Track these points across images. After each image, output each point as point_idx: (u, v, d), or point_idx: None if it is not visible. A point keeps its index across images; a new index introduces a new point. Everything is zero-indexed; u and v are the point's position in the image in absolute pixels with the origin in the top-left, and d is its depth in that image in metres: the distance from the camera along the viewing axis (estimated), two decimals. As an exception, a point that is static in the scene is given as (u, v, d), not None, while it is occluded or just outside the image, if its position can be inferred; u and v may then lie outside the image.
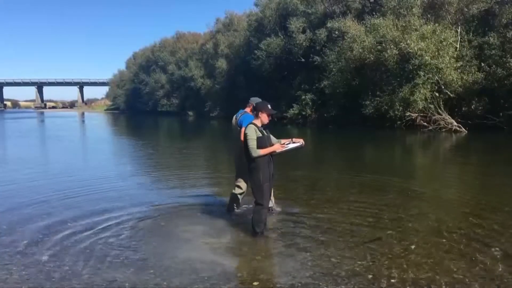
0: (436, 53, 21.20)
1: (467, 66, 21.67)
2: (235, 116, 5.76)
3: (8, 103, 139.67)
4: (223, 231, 5.10)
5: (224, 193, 7.43)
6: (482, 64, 21.24)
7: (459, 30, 22.71)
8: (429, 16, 23.53)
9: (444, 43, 21.55)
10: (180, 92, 61.15)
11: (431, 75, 21.40)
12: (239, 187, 5.74)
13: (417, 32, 21.87)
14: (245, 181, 5.63)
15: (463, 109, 21.58)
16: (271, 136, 4.81)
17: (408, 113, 22.17)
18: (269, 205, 5.36)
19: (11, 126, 35.04)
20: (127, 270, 3.95)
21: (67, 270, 3.99)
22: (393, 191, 7.14)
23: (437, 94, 21.79)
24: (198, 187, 7.90)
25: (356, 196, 6.27)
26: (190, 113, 55.55)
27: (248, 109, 5.64)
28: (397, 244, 4.53)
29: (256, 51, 35.29)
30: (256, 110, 4.67)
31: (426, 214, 5.68)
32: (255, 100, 5.48)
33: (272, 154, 4.69)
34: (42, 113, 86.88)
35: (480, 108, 20.60)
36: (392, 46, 22.17)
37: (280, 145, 4.72)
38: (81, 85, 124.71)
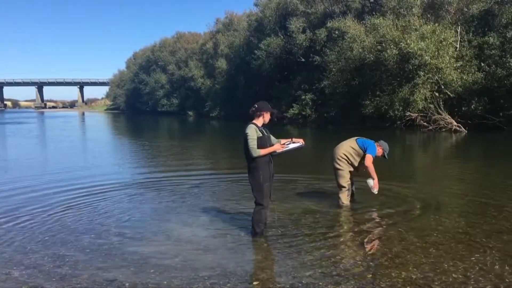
0: (436, 53, 21.20)
1: (467, 66, 21.67)
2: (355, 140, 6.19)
3: (8, 103, 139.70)
4: (223, 231, 5.11)
5: (224, 193, 7.45)
6: (482, 64, 21.24)
7: (459, 30, 22.71)
8: (429, 16, 23.54)
9: (444, 43, 21.55)
10: (180, 92, 61.15)
11: (431, 75, 21.41)
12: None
13: (417, 32, 21.87)
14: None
15: (463, 109, 21.57)
16: (271, 136, 4.81)
17: (408, 113, 22.18)
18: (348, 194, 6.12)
19: (17, 131, 34.99)
20: (127, 270, 3.96)
21: (67, 270, 3.99)
22: (393, 191, 7.13)
23: (437, 94, 21.79)
24: (198, 189, 7.90)
25: (355, 196, 6.27)
26: (190, 113, 55.56)
27: (378, 148, 6.10)
28: (397, 244, 4.52)
29: (256, 51, 35.29)
30: (260, 111, 4.68)
31: (426, 214, 5.67)
32: (383, 143, 6.15)
33: (272, 154, 4.69)
34: (42, 113, 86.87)
35: (480, 108, 20.59)
36: (392, 46, 22.17)
37: (280, 145, 4.72)
38: (81, 85, 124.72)
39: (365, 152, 6.03)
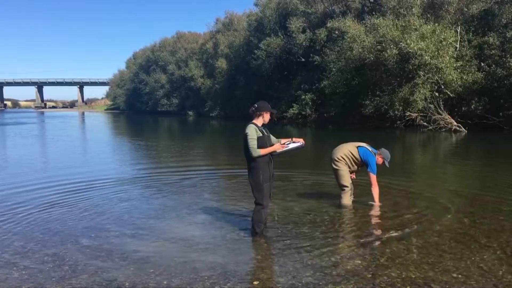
0: (436, 53, 21.21)
1: (467, 66, 21.69)
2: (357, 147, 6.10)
3: (8, 103, 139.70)
4: (223, 231, 5.11)
5: (224, 192, 7.46)
6: (482, 64, 21.26)
7: (459, 30, 22.72)
8: (429, 16, 23.55)
9: (444, 43, 21.57)
10: (180, 92, 61.17)
11: (431, 75, 21.41)
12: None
13: (417, 32, 21.89)
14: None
15: (463, 109, 21.59)
16: (271, 136, 4.81)
17: (408, 113, 22.18)
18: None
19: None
20: (127, 270, 3.96)
21: (67, 270, 3.99)
22: (393, 191, 7.14)
23: (437, 94, 21.81)
24: (198, 189, 7.90)
25: (355, 196, 6.26)
26: (190, 113, 55.59)
27: (378, 157, 6.06)
28: (397, 244, 4.52)
29: (256, 51, 35.31)
30: (259, 111, 4.68)
31: (425, 214, 5.67)
32: (384, 151, 6.10)
33: (272, 154, 4.68)
34: (42, 113, 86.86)
35: (480, 108, 20.60)
36: (392, 46, 22.18)
37: (280, 145, 4.72)
38: (81, 85, 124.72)
39: (364, 164, 6.03)
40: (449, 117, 21.23)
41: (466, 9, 23.28)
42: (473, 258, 4.07)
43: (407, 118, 22.40)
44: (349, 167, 6.09)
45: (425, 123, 21.64)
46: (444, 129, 20.78)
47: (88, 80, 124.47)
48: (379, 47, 23.18)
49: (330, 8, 32.01)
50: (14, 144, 18.88)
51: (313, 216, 5.68)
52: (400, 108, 22.46)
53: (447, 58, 21.23)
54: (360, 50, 24.29)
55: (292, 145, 4.81)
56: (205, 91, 49.97)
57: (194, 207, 6.28)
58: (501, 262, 3.97)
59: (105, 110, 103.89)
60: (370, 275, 3.74)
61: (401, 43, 21.63)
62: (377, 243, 4.65)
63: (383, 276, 3.71)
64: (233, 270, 3.91)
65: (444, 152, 14.64)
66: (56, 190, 7.67)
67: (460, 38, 22.62)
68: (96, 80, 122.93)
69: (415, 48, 20.92)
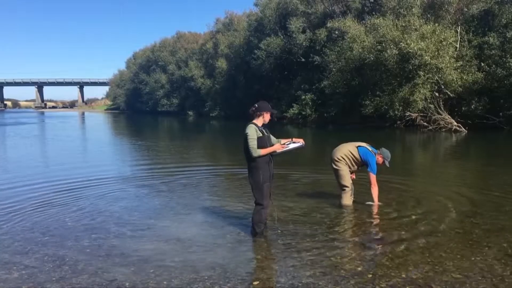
0: (436, 53, 21.21)
1: (467, 66, 21.69)
2: (356, 147, 6.10)
3: (8, 103, 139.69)
4: (223, 231, 5.11)
5: (223, 192, 7.45)
6: (482, 64, 21.25)
7: (459, 30, 22.71)
8: (429, 16, 23.54)
9: (444, 43, 21.56)
10: (180, 92, 61.20)
11: (431, 75, 21.42)
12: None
13: (417, 32, 21.89)
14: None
15: (463, 109, 21.59)
16: (271, 136, 4.81)
17: (408, 113, 22.18)
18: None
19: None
20: (127, 270, 3.95)
21: (67, 270, 3.99)
22: (393, 191, 7.14)
23: (437, 94, 21.82)
24: (197, 188, 7.90)
25: (355, 196, 6.26)
26: (190, 113, 55.61)
27: (378, 157, 6.05)
28: (397, 244, 4.52)
29: (256, 51, 35.31)
30: (260, 111, 4.68)
31: (426, 214, 5.67)
32: (384, 151, 6.08)
33: (272, 154, 4.69)
34: (42, 113, 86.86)
35: (480, 108, 20.61)
36: (392, 46, 22.17)
37: (280, 145, 4.72)
38: (81, 85, 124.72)
39: (364, 163, 6.03)
40: (449, 117, 21.23)
41: (466, 9, 23.26)
42: (473, 258, 4.07)
43: (407, 118, 22.41)
44: (349, 167, 6.10)
45: (425, 123, 21.64)
46: (444, 129, 20.78)
47: (88, 80, 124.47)
48: (379, 47, 23.18)
49: (330, 8, 32.00)
50: (14, 143, 18.87)
51: (313, 216, 5.68)
52: (400, 108, 22.46)
53: (447, 58, 21.23)
54: (360, 50, 24.29)
55: (292, 145, 4.81)
56: (205, 91, 49.98)
57: (194, 207, 6.28)
58: (501, 262, 3.97)
59: (105, 110, 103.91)
60: (370, 275, 3.73)
61: (401, 43, 21.62)
62: (377, 243, 4.65)
63: (383, 276, 3.71)
64: (233, 270, 3.91)
65: (444, 152, 14.64)
66: (55, 189, 7.67)
67: (460, 38, 22.61)
68: (96, 80, 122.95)
69: (415, 48, 20.91)
